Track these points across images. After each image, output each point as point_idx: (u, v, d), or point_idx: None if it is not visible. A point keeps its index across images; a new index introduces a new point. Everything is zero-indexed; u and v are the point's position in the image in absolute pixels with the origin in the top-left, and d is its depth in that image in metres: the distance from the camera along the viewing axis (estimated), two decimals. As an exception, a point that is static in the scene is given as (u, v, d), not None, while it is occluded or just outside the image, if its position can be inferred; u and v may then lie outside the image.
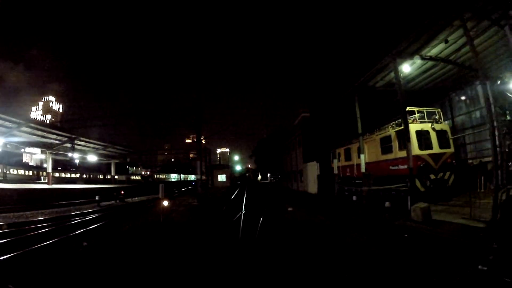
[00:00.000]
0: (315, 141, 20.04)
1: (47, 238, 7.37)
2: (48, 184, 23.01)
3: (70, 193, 21.81)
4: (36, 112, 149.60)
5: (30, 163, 68.70)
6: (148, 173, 58.94)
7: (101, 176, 47.48)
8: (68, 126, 24.87)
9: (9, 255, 5.74)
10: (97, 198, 16.69)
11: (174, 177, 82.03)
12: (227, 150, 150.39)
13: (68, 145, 21.55)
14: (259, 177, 77.45)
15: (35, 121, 18.70)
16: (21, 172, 43.65)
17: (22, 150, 37.31)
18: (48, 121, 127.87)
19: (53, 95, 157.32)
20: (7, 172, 39.63)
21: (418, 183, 10.41)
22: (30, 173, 45.09)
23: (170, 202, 11.50)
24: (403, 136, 10.81)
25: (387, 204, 9.90)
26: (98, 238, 7.49)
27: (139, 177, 51.75)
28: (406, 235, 6.64)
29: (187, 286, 3.98)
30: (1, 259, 5.48)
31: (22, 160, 65.93)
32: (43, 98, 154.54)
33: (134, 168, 64.87)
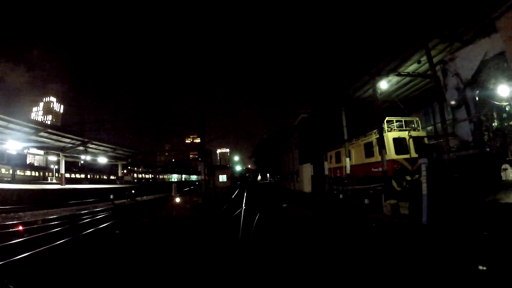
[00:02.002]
0: (310, 144, 21.76)
1: (85, 229, 9.05)
2: (61, 185, 24.65)
3: (83, 192, 23.47)
4: (37, 113, 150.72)
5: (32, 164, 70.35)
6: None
7: (105, 177, 49.03)
8: (74, 129, 26.56)
9: (64, 240, 7.42)
10: (111, 197, 18.37)
11: (175, 177, 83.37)
12: (227, 150, 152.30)
13: (81, 148, 23.20)
14: (259, 177, 79.06)
15: (52, 127, 20.33)
16: (28, 173, 45.35)
17: (26, 151, 38.70)
18: (49, 122, 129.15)
19: (54, 96, 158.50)
20: (16, 173, 41.33)
21: (394, 184, 12.08)
22: (37, 174, 46.79)
23: (181, 199, 13.18)
24: (382, 141, 12.54)
25: (366, 201, 11.59)
26: (125, 228, 9.16)
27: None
28: (374, 225, 8.32)
29: (203, 262, 5.61)
30: (61, 243, 7.15)
31: (26, 161, 67.48)
32: (44, 99, 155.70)
33: (136, 168, 66.36)
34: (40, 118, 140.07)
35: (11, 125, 19.05)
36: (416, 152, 10.16)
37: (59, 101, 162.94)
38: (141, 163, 63.02)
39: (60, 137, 21.38)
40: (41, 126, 19.09)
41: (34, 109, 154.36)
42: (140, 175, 63.21)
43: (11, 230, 9.61)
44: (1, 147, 22.21)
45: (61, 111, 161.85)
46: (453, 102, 5.35)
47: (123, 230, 8.79)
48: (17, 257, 5.68)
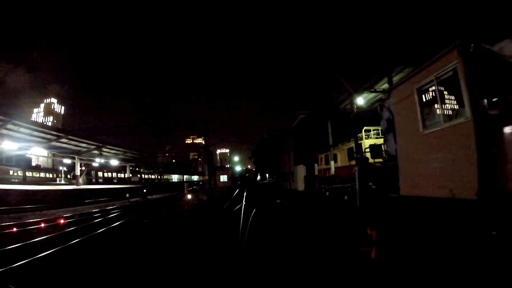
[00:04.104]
0: (303, 148, 24.20)
1: (118, 220, 11.39)
2: (77, 185, 26.95)
3: (97, 192, 25.79)
4: (38, 114, 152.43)
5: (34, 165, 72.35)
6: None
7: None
8: (85, 134, 28.87)
9: (108, 227, 9.77)
10: (127, 195, 20.73)
11: (175, 177, 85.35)
12: (227, 151, 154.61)
13: (95, 152, 25.51)
14: (258, 177, 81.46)
15: (72, 133, 22.60)
16: (37, 174, 47.52)
17: (29, 152, 40.82)
18: (50, 123, 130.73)
19: (54, 97, 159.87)
20: (27, 174, 43.52)
21: (370, 183, 14.48)
22: (46, 175, 48.95)
23: (191, 196, 15.53)
24: (361, 148, 14.95)
25: (345, 197, 13.96)
26: (150, 219, 11.51)
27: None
28: (345, 215, 10.68)
29: (215, 242, 7.93)
30: (108, 228, 9.49)
31: (31, 163, 69.46)
32: (45, 100, 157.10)
33: (137, 169, 68.37)
34: (41, 119, 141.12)
35: (35, 133, 21.36)
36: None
37: (60, 102, 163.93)
38: (143, 164, 65.08)
39: (78, 142, 23.69)
40: (63, 133, 21.37)
41: (35, 110, 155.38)
42: (142, 176, 65.37)
43: (56, 223, 11.91)
44: (9, 150, 23.86)
45: (62, 112, 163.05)
46: (383, 129, 7.65)
47: (149, 220, 11.15)
48: (87, 236, 8.04)
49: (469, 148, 3.45)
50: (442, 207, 3.94)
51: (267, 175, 71.31)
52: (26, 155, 46.31)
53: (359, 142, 16.04)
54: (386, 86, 14.88)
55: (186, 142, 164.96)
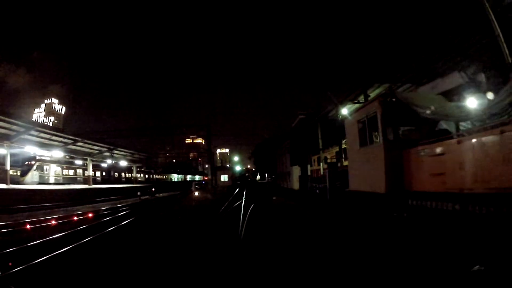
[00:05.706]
0: (298, 150, 26.52)
1: (138, 213, 13.62)
2: (89, 185, 29.17)
3: (108, 191, 28.01)
4: (39, 114, 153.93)
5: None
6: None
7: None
8: (96, 137, 31.04)
9: (133, 218, 12.01)
10: (138, 193, 23.00)
11: (176, 177, 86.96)
12: (227, 150, 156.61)
13: (107, 154, 27.75)
14: (258, 177, 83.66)
15: (88, 137, 24.81)
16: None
17: (33, 153, 42.86)
18: (51, 123, 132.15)
19: (55, 97, 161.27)
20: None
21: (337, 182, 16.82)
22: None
23: (198, 194, 17.82)
24: (345, 152, 17.25)
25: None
26: (165, 212, 13.75)
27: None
28: (322, 205, 12.96)
29: (220, 228, 10.16)
30: (135, 219, 11.73)
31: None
32: (46, 100, 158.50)
33: (138, 169, 69.80)
34: (42, 119, 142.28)
35: (54, 138, 23.57)
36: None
37: (61, 102, 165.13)
38: (144, 164, 66.67)
39: (91, 145, 25.93)
40: (80, 137, 23.60)
41: (36, 110, 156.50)
42: (148, 176, 67.19)
43: (87, 216, 14.09)
44: (15, 152, 25.54)
45: (63, 112, 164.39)
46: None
47: (164, 213, 13.42)
48: (121, 224, 10.29)
49: (380, 161, 5.68)
50: (369, 197, 6.23)
51: (266, 175, 73.46)
52: (30, 156, 48.35)
53: (344, 146, 18.32)
54: (373, 94, 17.20)
55: (186, 142, 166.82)
